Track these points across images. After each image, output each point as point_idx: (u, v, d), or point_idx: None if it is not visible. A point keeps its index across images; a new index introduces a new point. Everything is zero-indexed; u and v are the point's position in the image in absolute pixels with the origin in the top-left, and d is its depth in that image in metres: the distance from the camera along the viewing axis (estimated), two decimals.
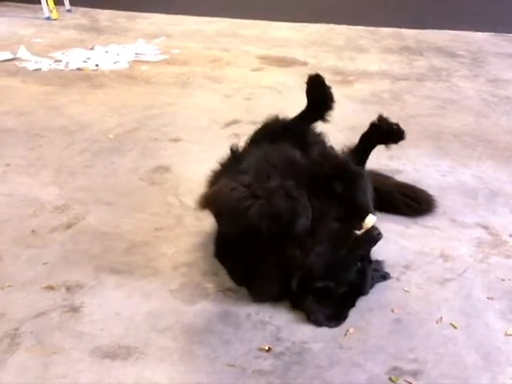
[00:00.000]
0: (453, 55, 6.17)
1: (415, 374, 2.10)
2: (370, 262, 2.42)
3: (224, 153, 3.61)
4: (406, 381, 2.08)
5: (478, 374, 2.11)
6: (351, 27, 7.31)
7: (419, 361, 2.16)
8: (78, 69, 5.48)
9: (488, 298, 2.50)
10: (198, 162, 3.64)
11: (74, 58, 5.70)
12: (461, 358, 2.18)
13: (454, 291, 2.51)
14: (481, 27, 7.10)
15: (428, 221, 3.08)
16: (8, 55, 5.74)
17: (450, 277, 2.62)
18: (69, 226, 2.98)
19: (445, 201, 3.26)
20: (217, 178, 2.77)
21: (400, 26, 7.31)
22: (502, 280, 2.60)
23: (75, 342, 2.24)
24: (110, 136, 4.06)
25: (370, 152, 2.90)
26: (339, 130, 4.02)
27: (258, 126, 3.07)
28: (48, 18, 7.31)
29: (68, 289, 2.52)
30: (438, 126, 4.35)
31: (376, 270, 2.51)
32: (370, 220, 2.33)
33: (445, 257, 2.77)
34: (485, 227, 3.01)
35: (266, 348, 2.22)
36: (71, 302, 2.44)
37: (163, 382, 2.07)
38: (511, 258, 2.76)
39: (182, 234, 2.95)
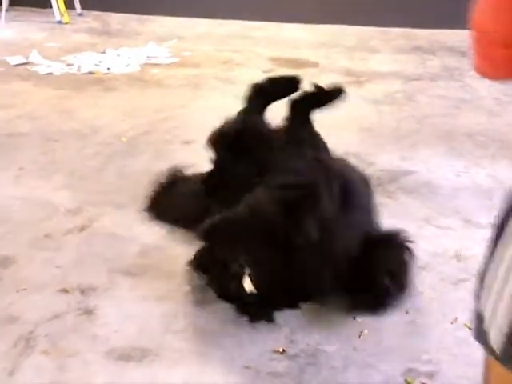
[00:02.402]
0: (466, 55, 6.13)
1: (431, 375, 2.10)
2: None
3: None
4: (421, 382, 2.07)
5: None
6: (362, 28, 7.28)
7: (434, 362, 2.15)
8: (90, 72, 5.50)
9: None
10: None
11: (86, 62, 5.72)
12: (475, 358, 2.16)
13: (469, 291, 2.47)
14: None
15: (442, 221, 3.06)
16: (20, 59, 5.77)
17: (464, 277, 2.60)
18: (82, 229, 3.00)
19: (459, 201, 3.25)
20: None
21: (412, 26, 7.27)
22: None
23: (89, 344, 2.25)
24: (123, 139, 4.07)
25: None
26: (352, 132, 4.03)
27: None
28: (59, 22, 7.34)
29: (82, 291, 2.53)
30: (451, 126, 4.32)
31: None
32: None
33: (458, 257, 2.76)
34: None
35: (281, 350, 2.22)
36: (85, 304, 2.45)
37: None
38: None
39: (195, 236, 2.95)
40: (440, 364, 2.15)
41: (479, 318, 1.16)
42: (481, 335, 1.15)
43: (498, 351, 1.11)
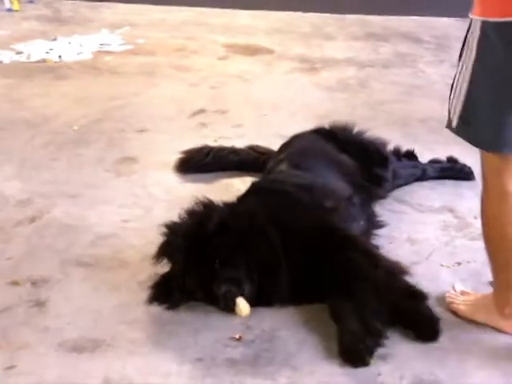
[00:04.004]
0: (418, 41, 6.19)
1: (384, 357, 2.11)
2: None
3: (191, 142, 3.62)
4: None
5: (445, 355, 2.13)
6: (317, 14, 7.29)
7: (388, 345, 2.17)
8: (41, 60, 5.38)
9: (454, 280, 2.52)
10: (165, 152, 3.62)
11: (37, 50, 5.59)
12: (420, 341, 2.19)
13: (421, 274, 2.51)
14: (446, 12, 7.12)
15: (395, 205, 3.10)
16: None
17: (417, 260, 2.63)
18: (33, 220, 2.94)
19: (412, 186, 3.29)
20: None
21: (366, 13, 7.31)
22: (468, 262, 2.63)
23: (41, 336, 2.21)
24: (75, 128, 4.00)
25: None
26: (306, 118, 4.03)
27: None
28: (9, 10, 7.15)
29: (33, 283, 2.49)
30: (405, 112, 4.36)
31: None
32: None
33: (412, 241, 2.79)
34: (451, 210, 3.03)
35: (237, 337, 2.21)
36: (37, 296, 2.41)
37: (132, 374, 2.06)
38: (476, 240, 2.77)
39: (149, 225, 2.90)
40: (393, 347, 2.15)
41: (448, 113, 2.02)
42: (449, 124, 2.03)
43: (455, 130, 2.01)
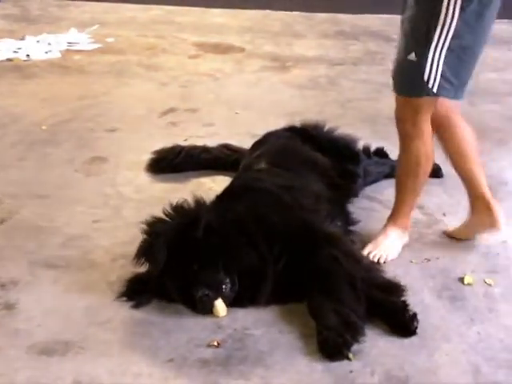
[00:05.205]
0: (387, 39, 6.23)
1: (354, 353, 2.13)
2: None
3: (161, 142, 3.61)
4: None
5: (415, 352, 2.16)
6: (287, 13, 7.30)
7: (358, 340, 2.19)
8: (8, 59, 5.31)
9: (423, 276, 2.55)
10: (136, 152, 3.61)
11: (4, 49, 5.51)
12: (398, 336, 2.22)
13: (391, 271, 2.55)
14: None
15: (365, 203, 3.12)
16: None
17: None
18: (2, 222, 2.91)
19: (381, 183, 3.32)
20: None
21: (336, 11, 7.34)
22: (437, 258, 2.66)
23: (11, 339, 2.19)
24: (43, 127, 3.96)
25: None
26: (278, 116, 4.04)
27: None
28: None
29: (2, 286, 2.47)
30: (374, 110, 4.39)
31: None
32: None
33: None
34: (420, 207, 3.06)
35: (216, 344, 2.19)
36: (6, 299, 2.39)
37: (103, 376, 2.05)
38: (445, 236, 2.83)
39: (120, 225, 2.91)
40: (363, 342, 2.18)
41: (427, 81, 2.43)
42: (427, 91, 2.45)
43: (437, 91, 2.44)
